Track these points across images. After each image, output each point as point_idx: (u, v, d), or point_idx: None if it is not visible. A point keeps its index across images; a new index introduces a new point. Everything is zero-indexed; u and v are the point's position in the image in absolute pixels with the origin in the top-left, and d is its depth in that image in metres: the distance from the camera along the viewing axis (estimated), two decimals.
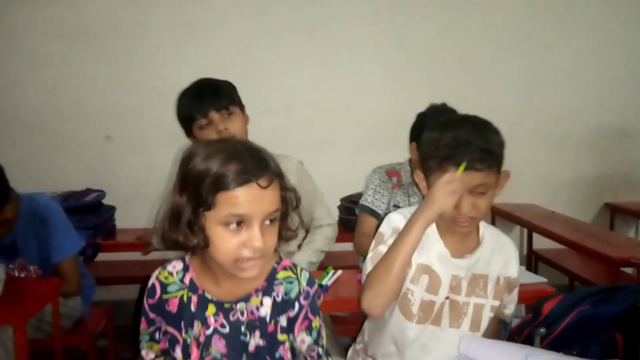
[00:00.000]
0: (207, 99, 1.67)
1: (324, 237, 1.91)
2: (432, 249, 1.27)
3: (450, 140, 1.16)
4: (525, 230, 3.21)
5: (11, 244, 1.87)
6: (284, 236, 1.02)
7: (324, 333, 1.09)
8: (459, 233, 1.25)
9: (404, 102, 2.94)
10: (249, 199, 0.92)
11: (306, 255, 1.84)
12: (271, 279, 1.05)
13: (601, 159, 3.44)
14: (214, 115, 1.67)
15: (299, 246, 1.90)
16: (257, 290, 1.04)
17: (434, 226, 1.27)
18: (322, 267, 1.76)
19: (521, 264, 3.17)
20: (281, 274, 1.06)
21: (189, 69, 2.69)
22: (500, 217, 3.20)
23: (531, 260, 3.14)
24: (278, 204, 0.97)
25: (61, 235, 1.90)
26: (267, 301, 1.04)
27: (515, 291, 1.32)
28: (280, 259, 1.08)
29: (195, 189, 0.94)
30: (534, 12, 3.28)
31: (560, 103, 3.36)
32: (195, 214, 0.95)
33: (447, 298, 1.25)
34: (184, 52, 3.02)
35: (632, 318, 1.17)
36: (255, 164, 0.94)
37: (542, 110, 3.35)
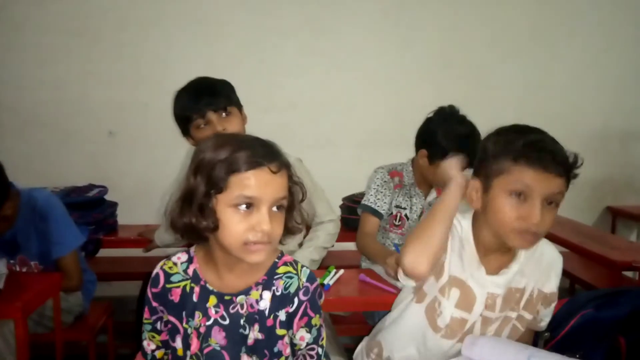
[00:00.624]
0: (204, 99, 1.67)
1: (325, 233, 1.90)
2: (468, 264, 1.19)
3: (527, 142, 1.07)
4: None
5: (12, 239, 1.87)
6: (289, 228, 1.05)
7: (324, 333, 1.10)
8: (500, 251, 1.17)
9: (408, 103, 2.95)
10: (259, 182, 0.96)
11: (308, 253, 1.84)
12: (271, 273, 1.07)
13: (604, 161, 3.43)
14: (211, 115, 1.66)
15: (300, 244, 1.90)
16: (257, 284, 1.06)
17: (472, 242, 1.18)
18: (324, 267, 1.76)
19: None
20: (281, 269, 1.07)
21: (195, 65, 2.70)
22: None
23: None
24: (286, 192, 1.01)
25: (61, 230, 1.89)
26: (267, 295, 1.06)
27: (552, 305, 1.25)
28: (282, 254, 1.10)
29: (208, 173, 0.97)
30: (539, 13, 3.28)
31: (564, 105, 3.35)
32: (207, 197, 0.98)
33: (474, 313, 1.19)
34: (189, 49, 3.02)
35: (636, 322, 1.16)
36: (267, 150, 1.00)
37: (546, 111, 3.32)
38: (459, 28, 3.24)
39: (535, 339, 1.27)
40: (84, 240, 2.02)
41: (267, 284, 1.06)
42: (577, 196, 3.39)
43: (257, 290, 1.06)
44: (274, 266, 1.07)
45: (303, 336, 1.07)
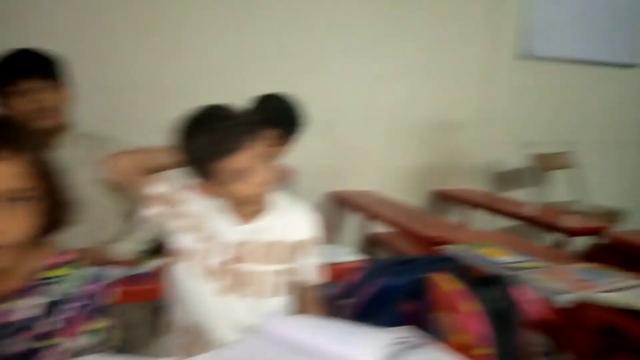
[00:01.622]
0: (21, 65, 1.58)
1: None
2: (219, 216, 1.29)
3: (211, 143, 1.16)
4: (364, 216, 3.43)
5: None
6: (51, 223, 0.91)
7: (112, 335, 0.98)
8: (254, 204, 1.29)
9: (246, 91, 2.93)
10: None
11: (132, 244, 1.75)
12: (37, 277, 0.92)
13: (431, 149, 3.79)
14: (25, 84, 1.56)
15: (126, 236, 1.80)
16: (17, 291, 0.91)
17: (222, 202, 1.29)
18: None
19: (359, 247, 3.34)
20: (51, 272, 0.93)
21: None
22: (341, 203, 3.38)
23: (368, 243, 3.37)
24: (20, 182, 0.85)
25: None
26: (31, 302, 0.91)
27: (308, 256, 1.36)
28: (57, 252, 0.96)
29: None
30: (377, 8, 3.49)
31: (397, 96, 3.62)
32: None
33: (233, 264, 1.27)
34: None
35: (422, 288, 1.29)
36: None
37: (381, 102, 3.58)
38: (303, 20, 3.32)
39: (337, 305, 1.37)
40: None
41: (31, 291, 0.91)
42: (407, 180, 3.72)
43: (18, 298, 0.90)
44: (41, 268, 0.92)
45: (82, 342, 0.93)
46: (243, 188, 1.21)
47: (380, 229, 3.21)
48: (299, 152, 3.09)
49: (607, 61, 4.19)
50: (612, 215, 3.62)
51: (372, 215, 3.14)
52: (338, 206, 3.43)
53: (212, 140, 1.16)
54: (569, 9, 4.00)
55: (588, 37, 4.09)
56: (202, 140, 1.18)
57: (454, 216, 3.84)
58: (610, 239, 2.51)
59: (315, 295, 1.38)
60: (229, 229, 1.29)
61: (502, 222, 3.43)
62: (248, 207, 1.29)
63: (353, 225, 3.51)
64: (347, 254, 1.95)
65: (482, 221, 3.71)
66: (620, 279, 1.68)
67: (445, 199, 3.76)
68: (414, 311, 1.31)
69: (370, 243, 3.37)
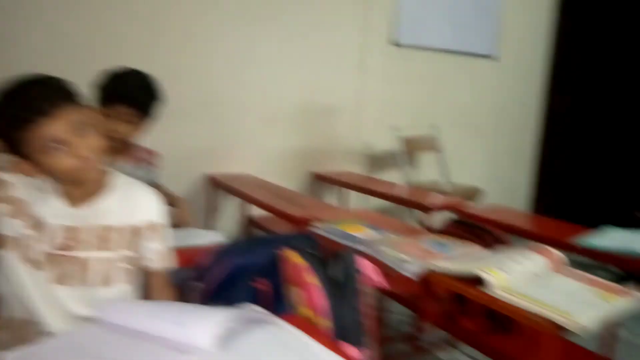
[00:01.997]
0: None
1: None
2: (47, 200, 1.21)
3: (22, 103, 1.08)
4: (240, 198, 3.40)
5: None
6: None
7: None
8: (81, 182, 1.20)
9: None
10: None
11: None
12: None
13: (309, 132, 3.85)
14: None
15: None
16: None
17: (52, 182, 1.21)
18: None
19: (237, 230, 3.29)
20: None
21: None
22: (218, 185, 3.31)
23: (245, 225, 3.35)
24: None
25: None
26: None
27: (155, 240, 1.31)
28: None
29: None
30: None
31: (275, 79, 3.61)
32: None
33: (63, 251, 1.20)
34: None
35: (276, 266, 1.31)
36: None
37: (257, 85, 3.55)
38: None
39: (188, 289, 1.33)
40: None
41: None
42: (286, 163, 3.75)
43: None
44: None
45: None
46: (57, 161, 1.11)
47: (257, 211, 3.20)
48: (175, 133, 3.00)
49: (469, 52, 4.54)
50: (471, 193, 3.96)
51: (247, 199, 3.12)
52: (215, 189, 3.37)
53: (19, 106, 1.07)
54: (436, 2, 4.26)
55: (453, 29, 4.40)
56: (10, 108, 1.08)
57: (332, 197, 3.95)
58: (464, 214, 2.74)
59: (162, 280, 1.33)
60: (59, 213, 1.20)
61: (376, 202, 3.59)
62: (79, 189, 1.21)
63: (230, 208, 3.47)
64: (211, 236, 1.93)
65: (358, 201, 3.87)
66: (464, 249, 1.84)
67: (323, 181, 3.85)
68: (269, 287, 1.32)
69: (248, 225, 3.36)
